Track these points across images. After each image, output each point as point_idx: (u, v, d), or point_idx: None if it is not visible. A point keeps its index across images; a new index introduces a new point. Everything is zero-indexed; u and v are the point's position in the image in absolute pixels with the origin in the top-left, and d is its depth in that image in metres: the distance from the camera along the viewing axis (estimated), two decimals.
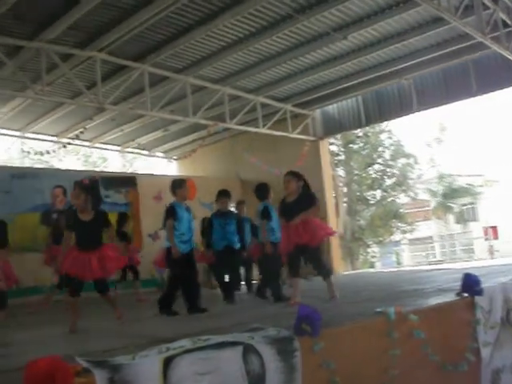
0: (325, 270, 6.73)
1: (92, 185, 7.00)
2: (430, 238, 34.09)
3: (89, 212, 5.90)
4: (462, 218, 33.22)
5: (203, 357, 3.24)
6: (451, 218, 33.58)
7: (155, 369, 3.06)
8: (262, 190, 7.79)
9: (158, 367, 3.07)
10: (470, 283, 4.90)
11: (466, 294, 4.93)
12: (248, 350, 3.40)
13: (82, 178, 7.04)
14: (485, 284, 5.13)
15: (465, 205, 32.98)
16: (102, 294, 6.06)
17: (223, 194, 8.44)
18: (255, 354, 3.44)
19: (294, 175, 6.90)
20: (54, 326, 5.72)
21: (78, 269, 5.69)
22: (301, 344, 3.58)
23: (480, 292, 4.89)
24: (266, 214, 7.48)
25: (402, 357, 4.03)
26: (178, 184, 7.06)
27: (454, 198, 31.85)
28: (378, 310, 4.24)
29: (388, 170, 27.18)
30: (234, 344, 3.41)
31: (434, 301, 5.03)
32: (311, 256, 6.76)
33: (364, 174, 26.62)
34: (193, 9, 9.30)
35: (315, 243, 6.63)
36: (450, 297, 5.08)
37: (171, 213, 6.87)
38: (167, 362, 3.10)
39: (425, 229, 32.74)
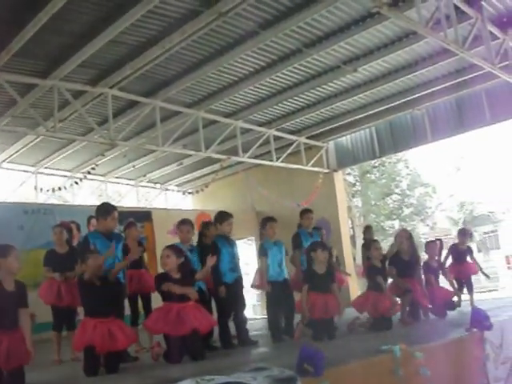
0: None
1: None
2: None
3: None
4: (483, 246, 32.76)
5: None
6: (473, 246, 33.07)
7: None
8: (260, 226, 7.47)
9: None
10: (479, 318, 4.82)
11: (475, 330, 4.84)
12: None
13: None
14: (497, 318, 5.04)
15: (486, 233, 32.54)
16: None
17: (309, 211, 8.00)
18: None
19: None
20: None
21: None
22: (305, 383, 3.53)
23: (489, 327, 4.80)
24: (260, 252, 7.18)
25: None
26: (177, 224, 6.97)
27: (475, 226, 31.48)
28: (384, 347, 4.19)
29: (405, 199, 27.06)
30: None
31: (443, 336, 4.93)
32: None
33: (381, 204, 26.52)
34: (202, 44, 9.38)
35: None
36: (460, 332, 4.99)
37: None
38: None
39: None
